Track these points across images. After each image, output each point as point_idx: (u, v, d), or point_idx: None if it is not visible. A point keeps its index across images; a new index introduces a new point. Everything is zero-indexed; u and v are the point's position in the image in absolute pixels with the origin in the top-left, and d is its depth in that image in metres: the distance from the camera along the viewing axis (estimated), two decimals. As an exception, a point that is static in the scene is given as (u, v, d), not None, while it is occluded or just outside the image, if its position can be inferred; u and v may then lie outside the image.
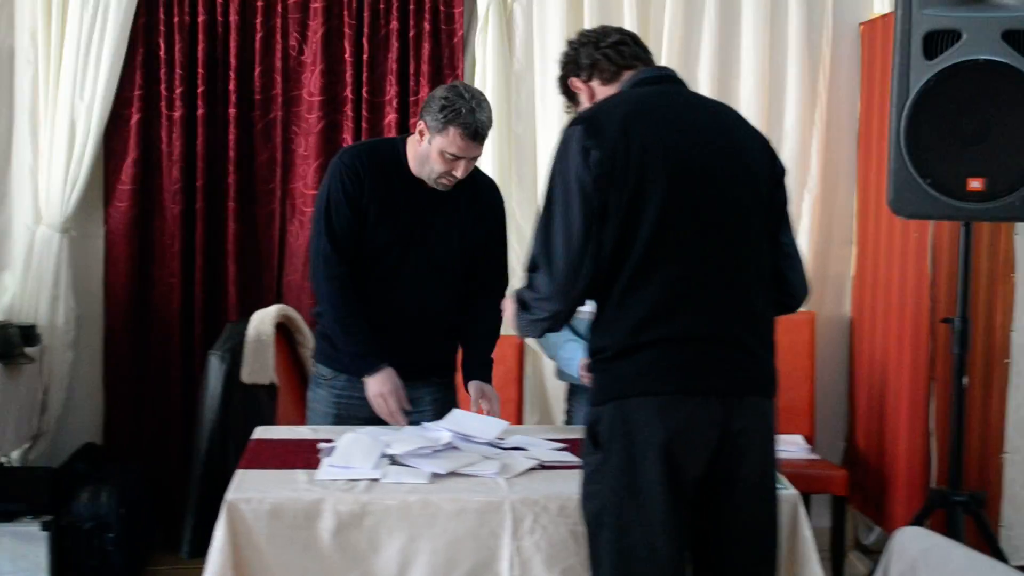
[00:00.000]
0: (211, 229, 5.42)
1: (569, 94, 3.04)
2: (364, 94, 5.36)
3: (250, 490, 2.97)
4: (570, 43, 3.03)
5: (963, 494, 3.87)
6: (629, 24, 5.28)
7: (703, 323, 2.68)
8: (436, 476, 3.09)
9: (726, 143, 2.80)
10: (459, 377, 3.92)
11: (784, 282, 2.88)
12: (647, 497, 2.63)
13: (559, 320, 2.79)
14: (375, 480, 3.05)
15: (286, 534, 2.91)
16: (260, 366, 4.60)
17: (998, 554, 3.79)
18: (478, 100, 3.64)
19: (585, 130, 2.68)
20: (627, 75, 2.91)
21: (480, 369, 3.90)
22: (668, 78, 2.92)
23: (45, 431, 5.33)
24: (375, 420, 3.79)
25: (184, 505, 4.82)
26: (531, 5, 5.38)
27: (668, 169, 2.67)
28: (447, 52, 5.35)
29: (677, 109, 2.82)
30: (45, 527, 4.85)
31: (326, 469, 3.12)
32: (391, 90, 5.34)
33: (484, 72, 5.36)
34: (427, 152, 3.67)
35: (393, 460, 3.19)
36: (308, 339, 4.80)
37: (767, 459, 2.78)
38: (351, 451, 3.19)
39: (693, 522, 2.72)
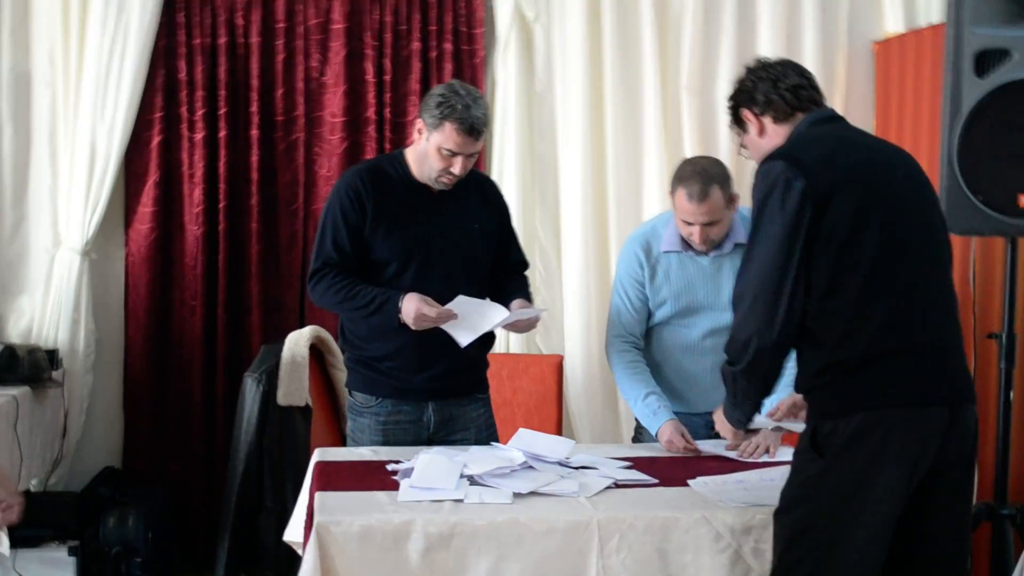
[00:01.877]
0: (233, 250, 5.40)
1: (736, 118, 3.13)
2: (386, 114, 5.37)
3: (337, 513, 2.97)
4: (749, 72, 3.10)
5: (1011, 507, 3.92)
6: (648, 42, 5.36)
7: (933, 333, 2.81)
8: (518, 495, 3.11)
9: (909, 168, 2.96)
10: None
11: None
12: (876, 506, 2.73)
13: (765, 356, 2.84)
14: (459, 500, 3.06)
15: (375, 556, 2.91)
16: (295, 388, 4.58)
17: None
18: (473, 97, 3.67)
19: (787, 164, 2.80)
20: (800, 116, 3.01)
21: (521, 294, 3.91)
22: (839, 117, 3.07)
23: (66, 455, 5.28)
24: (422, 442, 3.80)
25: (215, 527, 4.80)
26: (551, 26, 5.41)
27: (880, 188, 2.82)
28: (469, 73, 5.36)
29: (863, 138, 3.05)
30: (72, 552, 4.82)
31: (407, 490, 3.12)
32: (413, 111, 5.33)
33: (505, 92, 5.39)
34: (425, 150, 3.71)
35: (472, 480, 3.20)
36: (339, 360, 4.78)
37: (972, 463, 2.89)
38: (430, 472, 3.19)
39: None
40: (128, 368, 5.46)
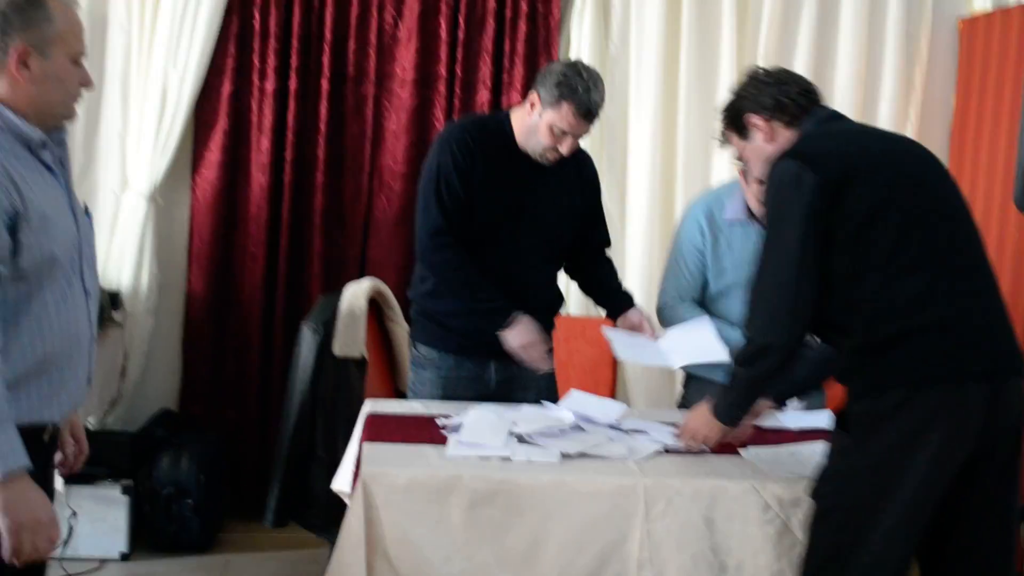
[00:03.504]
0: (298, 202, 5.40)
1: (738, 126, 3.10)
2: (458, 72, 5.34)
3: (385, 464, 2.96)
4: (752, 79, 3.09)
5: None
6: (728, 14, 5.31)
7: (966, 309, 2.75)
8: (565, 456, 3.08)
9: (922, 154, 2.96)
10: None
11: None
12: (907, 489, 2.67)
13: (783, 361, 2.83)
14: (506, 458, 3.04)
15: (420, 509, 2.89)
16: (352, 339, 4.56)
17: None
18: (595, 80, 3.65)
19: (797, 161, 2.79)
20: (805, 118, 3.01)
21: (626, 299, 3.97)
22: (843, 116, 3.08)
23: (123, 396, 5.33)
24: (482, 399, 3.79)
25: (266, 474, 4.81)
26: (629, -10, 5.35)
27: (893, 173, 2.82)
28: (543, 34, 5.32)
29: (871, 130, 3.20)
30: (125, 491, 4.87)
31: (455, 445, 3.11)
32: (485, 70, 5.32)
33: (579, 55, 5.32)
34: (536, 124, 3.68)
35: (521, 439, 3.18)
36: (397, 314, 4.78)
37: (1019, 444, 2.82)
38: (479, 428, 3.18)
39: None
40: (188, 313, 5.49)
